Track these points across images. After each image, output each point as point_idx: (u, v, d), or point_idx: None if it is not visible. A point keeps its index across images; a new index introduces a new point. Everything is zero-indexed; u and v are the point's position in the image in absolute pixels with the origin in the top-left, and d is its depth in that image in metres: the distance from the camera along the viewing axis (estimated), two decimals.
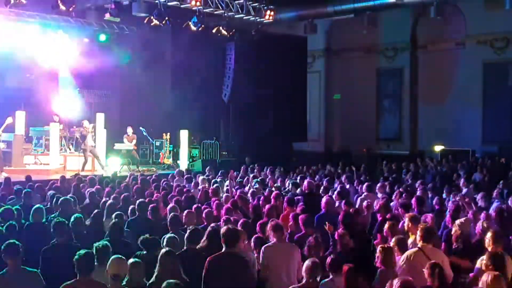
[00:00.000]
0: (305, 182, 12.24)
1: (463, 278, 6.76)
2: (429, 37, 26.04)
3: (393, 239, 7.03)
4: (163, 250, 6.30)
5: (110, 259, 5.84)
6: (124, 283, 5.77)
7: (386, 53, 27.29)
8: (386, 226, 7.75)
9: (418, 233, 6.92)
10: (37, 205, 9.04)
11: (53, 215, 9.04)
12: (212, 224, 7.83)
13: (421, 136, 26.56)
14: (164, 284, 5.37)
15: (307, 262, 6.13)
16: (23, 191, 10.61)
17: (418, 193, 11.40)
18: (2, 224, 7.90)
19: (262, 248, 7.13)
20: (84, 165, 18.00)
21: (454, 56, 25.34)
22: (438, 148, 24.02)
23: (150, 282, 6.02)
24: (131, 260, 5.89)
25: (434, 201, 10.61)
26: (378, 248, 6.64)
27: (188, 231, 7.21)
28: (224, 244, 6.52)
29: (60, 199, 9.53)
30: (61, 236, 7.30)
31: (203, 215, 8.77)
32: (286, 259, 7.04)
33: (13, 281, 6.00)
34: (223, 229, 6.75)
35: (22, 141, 18.38)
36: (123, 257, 5.87)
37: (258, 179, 14.22)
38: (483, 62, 24.54)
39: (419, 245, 6.79)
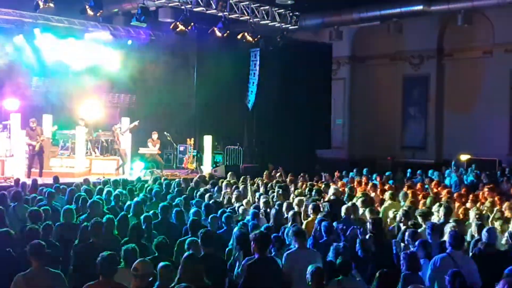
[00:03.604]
0: (331, 189, 12.18)
1: None
2: (456, 45, 25.80)
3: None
4: (186, 254, 6.30)
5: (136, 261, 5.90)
6: (155, 287, 5.78)
7: (412, 60, 27.07)
8: (407, 233, 7.73)
9: (448, 239, 6.89)
10: (68, 206, 9.16)
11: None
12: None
13: (446, 144, 26.29)
14: None
15: (310, 268, 6.11)
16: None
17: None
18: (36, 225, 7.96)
19: (284, 254, 7.08)
20: None
21: (481, 64, 25.08)
22: (464, 157, 23.75)
23: (172, 285, 6.01)
24: (161, 264, 5.89)
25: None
26: (402, 254, 6.59)
27: (200, 234, 7.11)
28: (258, 249, 6.55)
29: (89, 201, 9.72)
30: (96, 236, 7.36)
31: (225, 219, 8.82)
32: (308, 266, 6.96)
33: (37, 281, 6.00)
34: (255, 234, 6.76)
35: (49, 144, 18.60)
36: (147, 259, 5.91)
37: (282, 185, 14.18)
38: (510, 70, 24.27)
39: (448, 251, 6.75)
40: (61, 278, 6.21)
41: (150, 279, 5.78)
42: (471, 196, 12.16)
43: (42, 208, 9.20)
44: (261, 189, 13.62)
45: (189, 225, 8.16)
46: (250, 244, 6.85)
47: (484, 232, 7.66)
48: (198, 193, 12.13)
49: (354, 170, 18.53)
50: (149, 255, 6.79)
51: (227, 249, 7.85)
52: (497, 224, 8.98)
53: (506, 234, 7.79)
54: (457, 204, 11.45)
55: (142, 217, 8.93)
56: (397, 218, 9.34)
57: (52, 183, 13.43)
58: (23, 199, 10.73)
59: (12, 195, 10.72)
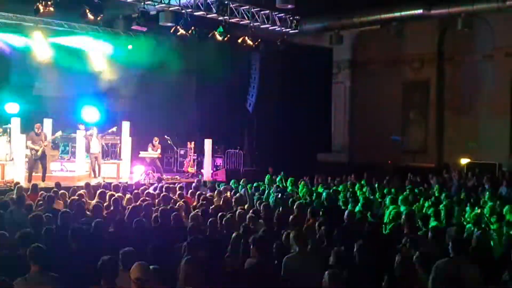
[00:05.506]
0: (325, 193, 12.17)
1: None
2: (456, 49, 25.80)
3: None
4: (184, 259, 6.29)
5: (134, 264, 5.88)
6: None
7: (412, 64, 27.07)
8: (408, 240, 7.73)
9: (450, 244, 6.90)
10: (64, 209, 9.14)
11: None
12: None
13: (447, 148, 26.27)
14: None
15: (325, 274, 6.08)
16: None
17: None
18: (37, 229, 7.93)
19: (284, 258, 7.00)
20: None
21: (481, 68, 25.06)
22: (464, 161, 23.74)
23: None
24: (151, 267, 5.89)
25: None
26: (397, 257, 6.57)
27: (188, 238, 7.07)
28: (257, 252, 6.67)
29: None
30: (77, 242, 7.29)
31: (224, 223, 8.82)
32: (307, 271, 6.90)
33: (34, 285, 5.95)
34: (253, 238, 6.81)
35: (49, 147, 18.60)
36: (145, 263, 5.91)
37: (281, 189, 14.20)
38: (511, 74, 24.24)
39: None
40: (59, 282, 6.13)
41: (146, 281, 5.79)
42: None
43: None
44: (261, 193, 13.62)
45: (188, 229, 8.16)
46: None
47: (477, 235, 7.68)
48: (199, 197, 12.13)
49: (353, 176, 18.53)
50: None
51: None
52: (495, 228, 8.99)
53: (503, 238, 7.78)
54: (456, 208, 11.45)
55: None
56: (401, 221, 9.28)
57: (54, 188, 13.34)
58: (22, 203, 10.69)
59: (11, 200, 10.73)
